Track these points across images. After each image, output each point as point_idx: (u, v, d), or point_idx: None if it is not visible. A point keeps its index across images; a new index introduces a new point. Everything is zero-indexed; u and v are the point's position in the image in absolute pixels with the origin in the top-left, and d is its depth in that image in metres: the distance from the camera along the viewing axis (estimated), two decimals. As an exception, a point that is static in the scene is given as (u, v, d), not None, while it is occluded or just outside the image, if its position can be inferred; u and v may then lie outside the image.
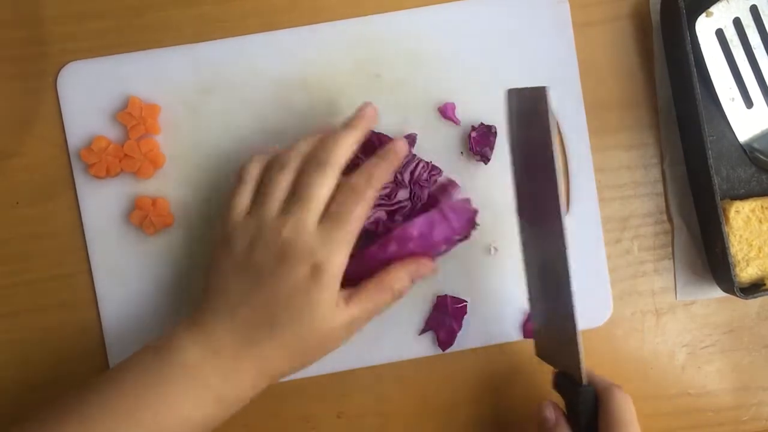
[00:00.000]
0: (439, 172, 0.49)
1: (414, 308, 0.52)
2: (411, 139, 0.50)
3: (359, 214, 0.43)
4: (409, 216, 0.48)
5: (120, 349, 0.51)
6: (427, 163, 0.49)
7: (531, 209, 0.46)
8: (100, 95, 0.52)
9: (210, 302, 0.44)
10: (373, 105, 0.46)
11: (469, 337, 0.52)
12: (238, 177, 0.46)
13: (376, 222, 0.47)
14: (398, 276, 0.44)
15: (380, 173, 0.44)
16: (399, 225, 0.45)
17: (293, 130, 0.52)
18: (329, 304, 0.42)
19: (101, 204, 0.51)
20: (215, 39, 0.52)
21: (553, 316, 0.45)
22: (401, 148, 0.45)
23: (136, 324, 0.51)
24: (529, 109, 0.43)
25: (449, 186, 0.50)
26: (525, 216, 0.46)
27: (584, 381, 0.44)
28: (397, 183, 0.48)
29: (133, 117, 0.51)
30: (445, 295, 0.51)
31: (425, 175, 0.49)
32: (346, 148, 0.44)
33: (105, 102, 0.52)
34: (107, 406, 0.41)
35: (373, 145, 0.48)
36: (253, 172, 0.46)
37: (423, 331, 0.52)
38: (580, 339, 0.43)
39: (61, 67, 0.52)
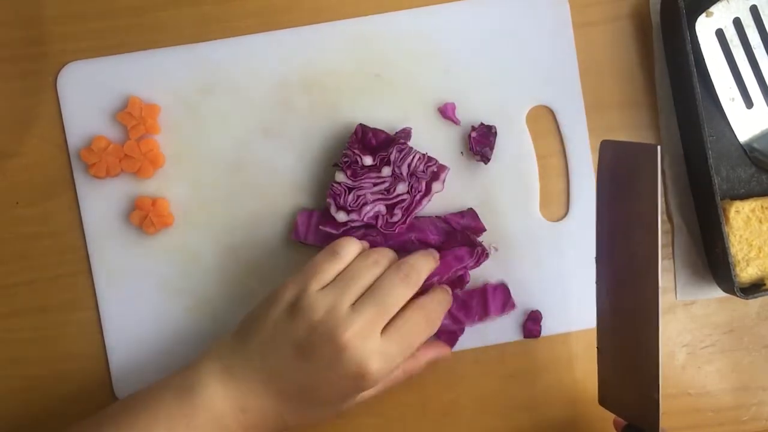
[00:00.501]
0: (435, 162, 0.50)
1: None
2: (405, 134, 0.50)
3: (422, 339, 0.45)
4: (408, 210, 0.49)
5: (120, 350, 0.51)
6: (423, 154, 0.49)
7: (618, 267, 0.44)
8: (100, 95, 0.52)
9: (249, 358, 0.44)
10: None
11: (469, 337, 0.52)
12: (332, 250, 0.45)
13: (376, 216, 0.48)
14: (419, 363, 0.49)
15: (447, 301, 0.47)
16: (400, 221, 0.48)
17: (293, 130, 0.52)
18: (359, 394, 0.45)
19: (101, 204, 0.51)
20: (215, 39, 0.52)
21: (631, 374, 0.44)
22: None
23: (136, 324, 0.51)
24: (632, 165, 0.41)
25: (440, 171, 0.50)
26: (609, 273, 0.44)
27: None
28: (395, 177, 0.48)
29: (133, 117, 0.51)
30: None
31: (421, 166, 0.49)
32: (429, 270, 0.46)
33: (105, 102, 0.52)
34: None
35: (370, 142, 0.49)
36: (351, 253, 0.46)
37: None
38: (660, 406, 0.41)
39: (61, 67, 0.52)
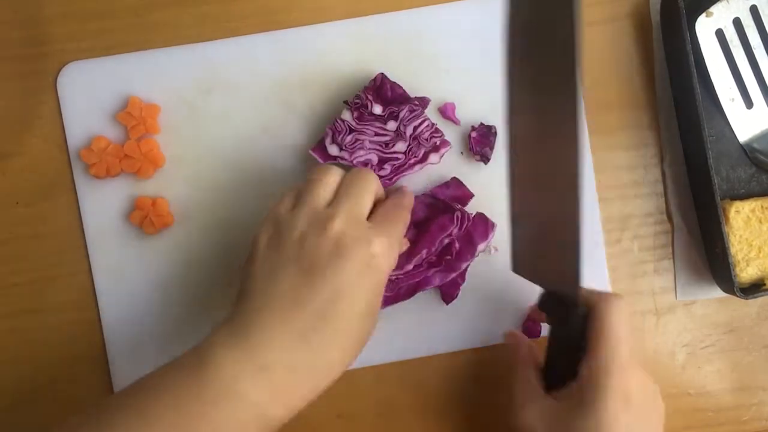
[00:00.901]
0: (441, 135, 0.50)
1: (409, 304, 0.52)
2: (423, 101, 0.50)
3: (404, 222, 0.44)
4: (399, 169, 0.49)
5: (120, 350, 0.51)
6: (433, 123, 0.49)
7: (532, 128, 0.40)
8: (100, 95, 0.52)
9: (255, 308, 0.39)
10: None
11: (469, 337, 0.52)
12: (280, 194, 0.44)
13: (366, 163, 0.49)
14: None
15: (409, 202, 0.46)
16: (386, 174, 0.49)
17: (293, 130, 0.52)
18: (381, 288, 0.41)
19: (101, 204, 0.51)
20: (215, 39, 0.52)
21: (548, 228, 0.41)
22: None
23: (136, 324, 0.51)
24: (547, 15, 0.37)
25: (442, 145, 0.50)
26: (521, 134, 0.41)
27: (580, 303, 0.42)
28: (398, 134, 0.49)
29: (133, 117, 0.51)
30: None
31: (427, 134, 0.49)
32: (377, 182, 0.44)
33: (105, 102, 0.52)
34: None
35: (386, 93, 0.49)
36: (296, 185, 0.44)
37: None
38: (582, 254, 0.39)
39: (62, 67, 0.52)
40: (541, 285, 0.44)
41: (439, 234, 0.49)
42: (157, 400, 0.37)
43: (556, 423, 0.41)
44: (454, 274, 0.50)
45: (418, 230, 0.49)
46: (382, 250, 0.40)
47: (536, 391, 0.43)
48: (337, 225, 0.40)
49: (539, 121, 0.40)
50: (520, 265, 0.45)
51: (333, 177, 0.43)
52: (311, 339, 0.38)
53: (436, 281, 0.50)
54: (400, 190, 0.46)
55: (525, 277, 0.45)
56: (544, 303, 0.44)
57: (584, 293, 0.42)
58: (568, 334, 0.43)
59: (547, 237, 0.42)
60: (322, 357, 0.39)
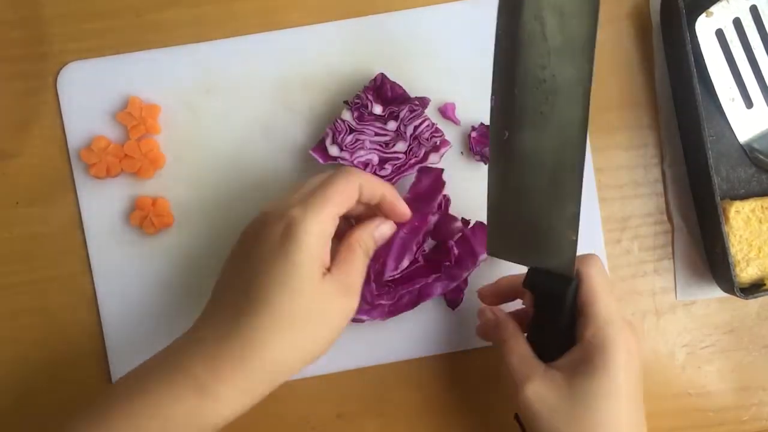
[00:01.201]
0: (441, 135, 0.50)
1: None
2: (423, 101, 0.50)
3: (341, 188, 0.41)
4: (400, 169, 0.49)
5: (120, 350, 0.51)
6: (433, 123, 0.49)
7: (528, 100, 0.41)
8: (100, 95, 0.52)
9: (209, 298, 0.43)
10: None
11: (469, 337, 0.52)
12: None
13: (367, 163, 0.49)
14: (363, 234, 0.44)
15: (376, 186, 0.43)
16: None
17: (293, 130, 0.52)
18: (310, 267, 0.39)
19: (101, 204, 0.51)
20: (215, 39, 0.52)
21: (540, 207, 0.42)
22: (403, 212, 0.45)
23: (137, 324, 0.51)
24: None
25: (442, 145, 0.50)
26: (511, 108, 0.41)
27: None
28: (398, 134, 0.49)
29: (134, 117, 0.51)
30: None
31: (427, 134, 0.49)
32: (350, 188, 0.42)
33: (105, 102, 0.52)
34: (112, 413, 0.38)
35: (386, 93, 0.49)
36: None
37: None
38: (577, 245, 0.40)
39: (61, 67, 0.52)
40: (526, 264, 0.44)
41: (423, 222, 0.48)
42: (122, 396, 0.39)
43: (567, 390, 0.41)
44: (455, 283, 0.50)
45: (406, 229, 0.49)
46: (301, 213, 0.39)
47: (536, 364, 0.42)
48: (267, 206, 0.42)
49: (541, 93, 0.40)
50: (499, 248, 0.44)
51: (310, 180, 0.43)
52: (236, 309, 0.39)
53: (438, 291, 0.49)
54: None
55: (505, 258, 0.44)
56: (530, 281, 0.43)
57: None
58: (560, 305, 0.42)
59: (539, 215, 0.42)
60: (250, 331, 0.38)
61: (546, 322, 0.44)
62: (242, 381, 0.38)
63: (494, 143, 0.42)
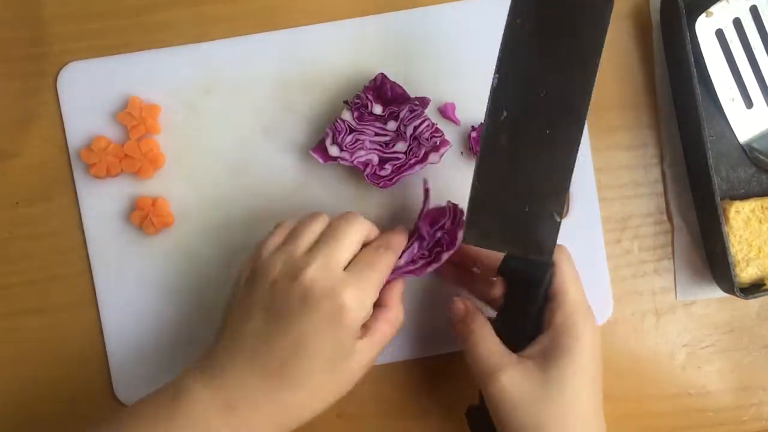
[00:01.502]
0: (441, 135, 0.50)
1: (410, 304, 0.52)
2: (423, 101, 0.50)
3: (386, 266, 0.43)
4: (400, 169, 0.49)
5: (120, 350, 0.51)
6: (433, 123, 0.49)
7: (530, 93, 0.43)
8: (100, 95, 0.52)
9: (226, 346, 0.42)
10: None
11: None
12: (274, 227, 0.45)
13: (367, 164, 0.49)
14: (399, 308, 0.45)
15: (398, 242, 0.45)
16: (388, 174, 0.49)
17: (293, 130, 0.52)
18: (351, 345, 0.41)
19: (101, 204, 0.51)
20: (215, 39, 0.52)
21: (525, 196, 0.43)
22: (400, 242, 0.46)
23: (137, 324, 0.51)
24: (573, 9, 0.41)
25: (442, 145, 0.50)
26: (512, 96, 0.43)
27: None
28: (398, 134, 0.49)
29: (133, 117, 0.51)
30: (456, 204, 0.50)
31: (427, 134, 0.49)
32: (366, 226, 0.44)
33: (105, 102, 0.52)
34: None
35: (386, 93, 0.49)
36: (288, 223, 0.45)
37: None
38: (560, 226, 0.43)
39: (61, 67, 0.52)
40: (506, 250, 0.44)
41: (430, 228, 0.47)
42: (133, 430, 0.40)
43: (540, 376, 0.42)
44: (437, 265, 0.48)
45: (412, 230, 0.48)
46: (352, 301, 0.41)
47: (507, 353, 0.43)
48: (309, 273, 0.41)
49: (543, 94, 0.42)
50: (478, 236, 0.44)
51: (319, 224, 0.44)
52: (274, 382, 0.40)
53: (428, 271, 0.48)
54: (388, 233, 0.46)
55: (482, 246, 0.44)
56: (506, 267, 0.44)
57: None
58: (534, 292, 0.44)
59: (528, 202, 0.43)
60: (285, 401, 0.40)
61: (516, 310, 0.45)
62: None
63: (489, 125, 0.43)
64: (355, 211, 0.45)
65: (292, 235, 0.44)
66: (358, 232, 0.43)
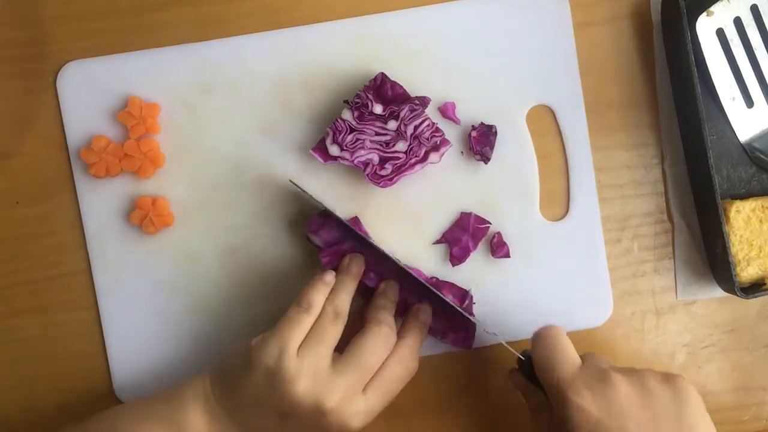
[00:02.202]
0: (441, 134, 0.50)
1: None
2: (423, 100, 0.50)
3: (402, 384, 0.46)
4: (400, 169, 0.49)
5: (120, 349, 0.51)
6: (434, 123, 0.49)
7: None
8: (100, 95, 0.52)
9: (229, 407, 0.44)
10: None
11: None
12: (301, 304, 0.45)
13: (367, 163, 0.49)
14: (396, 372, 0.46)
15: (422, 333, 0.48)
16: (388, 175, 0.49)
17: (293, 130, 0.52)
18: (344, 421, 0.43)
19: (101, 203, 0.51)
20: (215, 39, 0.52)
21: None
22: (426, 319, 0.49)
23: (137, 323, 0.51)
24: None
25: (442, 144, 0.50)
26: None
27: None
28: (399, 134, 0.49)
29: (133, 116, 0.51)
30: (470, 212, 0.51)
31: (427, 133, 0.49)
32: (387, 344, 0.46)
33: (105, 101, 0.52)
34: None
35: (386, 93, 0.49)
36: (319, 302, 0.46)
37: (438, 242, 0.52)
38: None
39: (61, 67, 0.52)
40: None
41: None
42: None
43: None
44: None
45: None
46: (360, 427, 0.44)
47: None
48: (332, 402, 0.42)
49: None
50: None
51: (308, 318, 0.45)
52: None
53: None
54: (385, 301, 0.48)
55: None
56: (519, 364, 0.47)
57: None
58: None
59: None
60: None
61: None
62: None
63: None
64: (384, 326, 0.46)
65: (318, 331, 0.44)
66: (388, 349, 0.45)
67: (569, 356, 0.43)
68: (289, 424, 0.43)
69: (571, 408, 0.40)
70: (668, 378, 0.42)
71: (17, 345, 0.52)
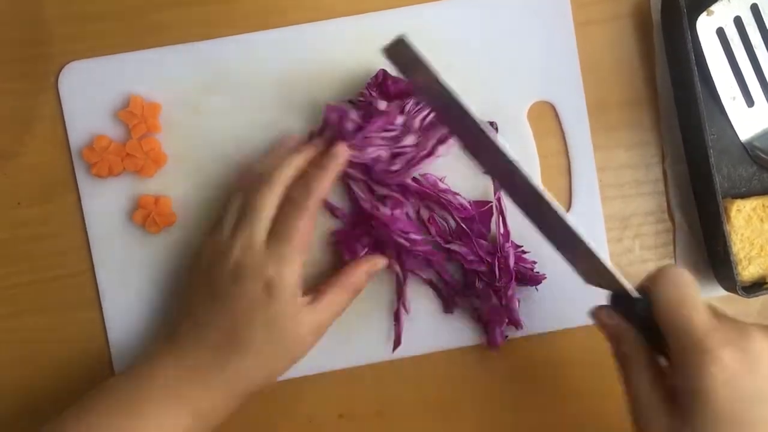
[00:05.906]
0: None
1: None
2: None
3: (301, 227, 0.45)
4: (410, 163, 0.49)
5: (124, 349, 0.51)
6: None
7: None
8: (102, 94, 0.52)
9: (181, 322, 0.46)
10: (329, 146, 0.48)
11: (471, 336, 0.52)
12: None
13: (376, 159, 0.49)
14: (356, 274, 0.48)
15: (319, 184, 0.46)
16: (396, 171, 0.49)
17: (295, 128, 0.52)
18: (290, 315, 0.44)
19: (103, 203, 0.51)
20: (216, 38, 0.52)
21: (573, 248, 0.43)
22: (342, 153, 0.47)
23: (140, 323, 0.51)
24: (404, 61, 0.44)
25: (446, 136, 0.50)
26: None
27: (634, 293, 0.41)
28: (406, 128, 0.49)
29: (135, 116, 0.51)
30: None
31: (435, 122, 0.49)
32: (289, 167, 0.47)
33: (106, 101, 0.52)
34: (92, 425, 0.43)
35: (389, 89, 0.49)
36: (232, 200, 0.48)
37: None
38: (607, 263, 0.41)
39: (63, 67, 0.52)
40: (604, 288, 0.44)
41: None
42: (98, 410, 0.44)
43: None
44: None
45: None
46: (275, 275, 0.44)
47: (655, 407, 0.39)
48: (234, 254, 0.45)
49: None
50: (585, 277, 0.47)
51: (236, 200, 0.47)
52: (222, 356, 0.44)
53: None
54: (301, 184, 0.47)
55: (596, 286, 0.45)
56: (614, 303, 0.43)
57: (644, 281, 0.41)
58: (641, 327, 0.41)
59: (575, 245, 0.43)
60: (234, 371, 0.44)
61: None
62: (230, 401, 0.45)
63: None
64: (277, 149, 0.49)
65: (222, 218, 0.47)
66: (271, 197, 0.46)
67: (704, 301, 0.39)
68: (218, 304, 0.44)
69: (706, 356, 0.36)
70: None
71: (20, 345, 0.52)
